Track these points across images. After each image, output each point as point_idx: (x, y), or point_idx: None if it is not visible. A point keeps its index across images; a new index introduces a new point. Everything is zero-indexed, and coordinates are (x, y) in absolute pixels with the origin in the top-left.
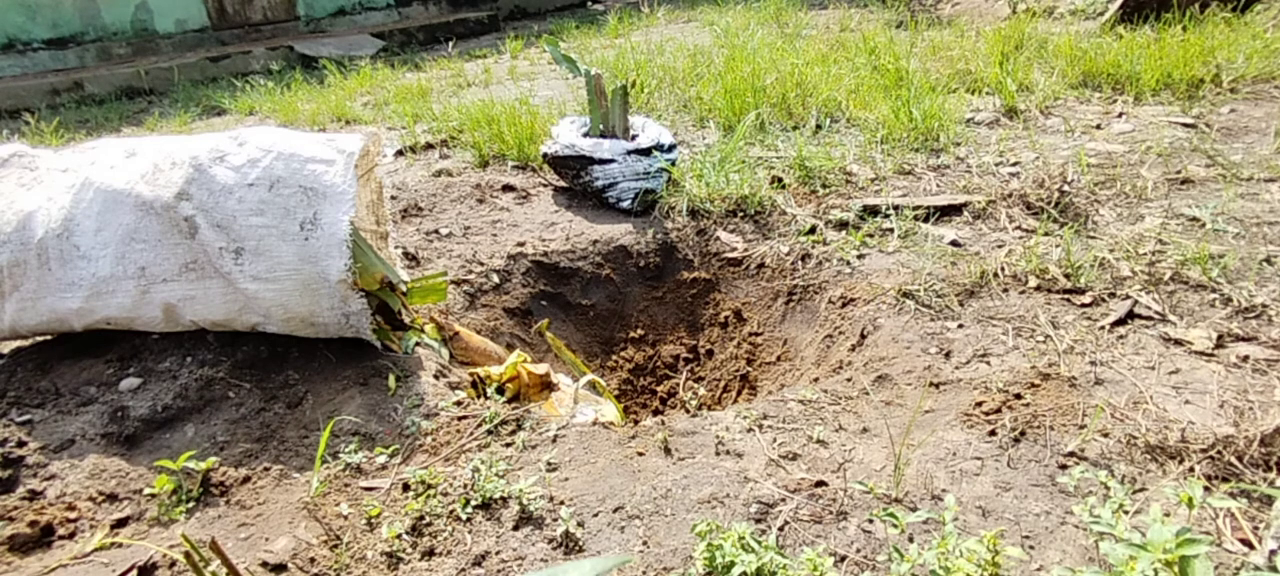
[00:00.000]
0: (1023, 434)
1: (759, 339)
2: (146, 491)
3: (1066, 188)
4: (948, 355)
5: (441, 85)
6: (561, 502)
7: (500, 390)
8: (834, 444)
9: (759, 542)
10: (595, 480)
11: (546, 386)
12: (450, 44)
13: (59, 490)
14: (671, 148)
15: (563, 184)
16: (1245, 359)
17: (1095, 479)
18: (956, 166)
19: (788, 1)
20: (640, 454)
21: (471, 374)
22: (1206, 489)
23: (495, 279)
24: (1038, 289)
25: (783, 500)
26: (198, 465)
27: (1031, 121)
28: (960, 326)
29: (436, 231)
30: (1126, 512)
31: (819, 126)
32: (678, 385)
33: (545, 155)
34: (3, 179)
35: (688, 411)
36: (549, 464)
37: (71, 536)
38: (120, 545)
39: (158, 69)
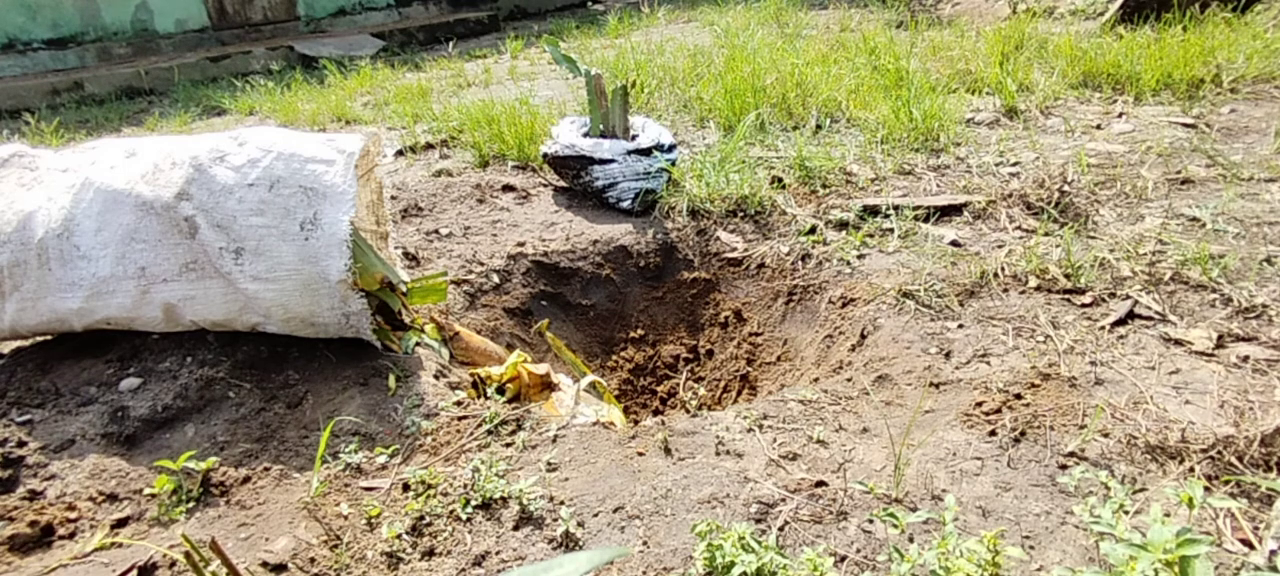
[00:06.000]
0: (1023, 434)
1: (759, 339)
2: (146, 491)
3: (1066, 188)
4: (948, 355)
5: (441, 85)
6: (561, 503)
7: (500, 390)
8: (834, 444)
9: (759, 542)
10: (595, 480)
11: (547, 386)
12: (450, 44)
13: (59, 490)
14: (671, 148)
15: (563, 184)
16: (1245, 359)
17: (1095, 479)
18: (956, 166)
19: (788, 1)
20: (640, 454)
21: (472, 374)
22: (1207, 489)
23: (495, 279)
24: (1038, 289)
25: (783, 500)
26: (198, 465)
27: (1031, 121)
28: (960, 326)
29: (436, 231)
30: (1127, 512)
31: (819, 126)
32: (678, 385)
33: (545, 155)
34: (3, 179)
35: (688, 411)
36: (549, 464)
37: (71, 536)
38: (120, 545)
39: (158, 69)
